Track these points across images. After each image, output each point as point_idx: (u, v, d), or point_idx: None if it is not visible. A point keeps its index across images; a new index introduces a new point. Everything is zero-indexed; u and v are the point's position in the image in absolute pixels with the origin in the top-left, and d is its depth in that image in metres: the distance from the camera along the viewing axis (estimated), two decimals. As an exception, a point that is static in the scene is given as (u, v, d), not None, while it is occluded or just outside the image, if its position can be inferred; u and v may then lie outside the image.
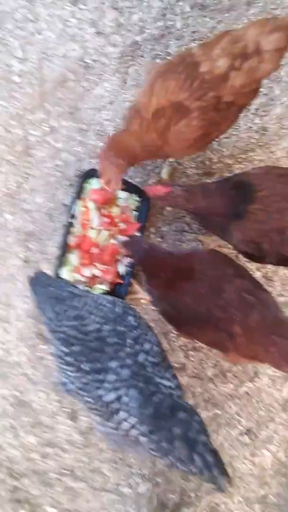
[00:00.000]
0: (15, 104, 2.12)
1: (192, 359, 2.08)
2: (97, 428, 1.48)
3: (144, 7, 2.13)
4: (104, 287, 2.00)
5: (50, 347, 2.08)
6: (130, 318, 1.46)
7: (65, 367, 1.43)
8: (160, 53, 2.11)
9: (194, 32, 2.14)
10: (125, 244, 1.70)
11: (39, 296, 1.63)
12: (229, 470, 1.97)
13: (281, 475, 2.04)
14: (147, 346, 1.42)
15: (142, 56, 2.11)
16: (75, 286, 1.72)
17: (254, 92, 1.66)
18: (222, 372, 2.07)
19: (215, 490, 1.27)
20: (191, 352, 2.09)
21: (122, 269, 2.03)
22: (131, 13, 2.12)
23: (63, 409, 2.07)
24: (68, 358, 1.41)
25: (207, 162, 2.14)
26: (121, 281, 2.01)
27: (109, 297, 1.53)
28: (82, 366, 1.38)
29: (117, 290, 2.01)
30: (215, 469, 1.22)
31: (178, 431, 1.25)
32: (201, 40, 2.13)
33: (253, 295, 1.54)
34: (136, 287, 2.05)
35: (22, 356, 2.07)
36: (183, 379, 2.02)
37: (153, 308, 2.05)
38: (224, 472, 1.23)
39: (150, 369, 1.38)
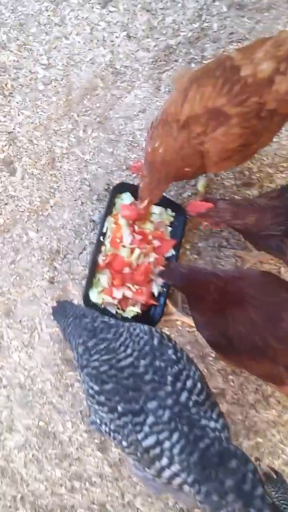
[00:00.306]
0: (40, 114, 2.04)
1: (232, 383, 1.98)
2: (133, 472, 1.41)
3: (179, 8, 2.02)
4: (137, 309, 1.92)
5: (77, 374, 1.96)
6: (170, 352, 1.36)
7: (96, 406, 1.35)
8: (196, 57, 2.01)
9: (231, 33, 2.04)
10: (161, 274, 1.64)
11: (64, 327, 1.57)
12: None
13: None
14: (189, 383, 1.32)
15: (176, 61, 2.03)
16: (108, 315, 1.60)
17: None
18: (264, 397, 1.96)
19: None
20: (230, 377, 1.99)
21: (156, 289, 1.96)
22: (164, 15, 2.03)
23: (92, 440, 1.94)
24: (100, 397, 1.33)
25: (246, 172, 2.03)
26: (155, 303, 1.94)
27: (145, 327, 1.44)
28: (117, 406, 1.28)
29: (151, 312, 1.93)
30: None
31: (231, 483, 1.16)
32: (239, 42, 2.03)
33: None
34: (171, 307, 1.94)
35: (47, 383, 1.98)
36: (223, 406, 1.93)
37: (188, 330, 1.92)
38: None
39: (194, 410, 1.27)
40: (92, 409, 1.34)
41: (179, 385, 1.29)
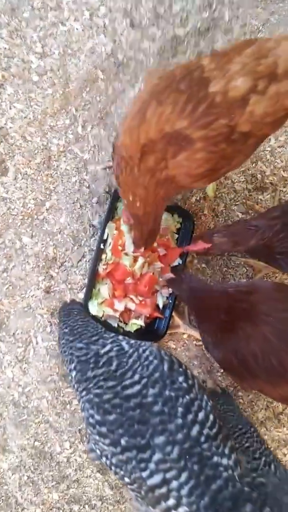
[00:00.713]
0: (34, 108, 1.93)
1: (241, 400, 1.98)
2: (134, 505, 1.39)
3: (187, -5, 1.87)
4: (141, 322, 1.89)
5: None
6: (181, 379, 1.27)
7: (96, 437, 1.27)
8: (206, 49, 1.90)
9: (244, 25, 1.96)
10: (169, 282, 1.65)
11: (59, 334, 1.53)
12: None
13: None
14: (201, 415, 1.23)
15: (184, 53, 1.97)
16: (109, 329, 1.50)
17: (280, 122, 1.39)
18: (275, 415, 1.94)
19: None
20: (240, 393, 1.92)
21: (161, 301, 1.92)
22: (172, 2, 2.00)
23: (91, 461, 1.85)
24: (102, 428, 1.24)
25: (259, 176, 1.96)
26: (160, 315, 1.88)
27: (154, 348, 1.36)
28: (120, 440, 1.20)
29: (155, 325, 1.91)
30: None
31: None
32: (252, 34, 1.90)
33: None
34: (177, 320, 1.87)
35: (43, 401, 1.91)
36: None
37: (196, 343, 1.84)
38: None
39: (205, 445, 1.19)
40: (91, 438, 1.28)
41: (190, 417, 1.21)
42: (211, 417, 1.24)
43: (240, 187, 2.00)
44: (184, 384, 1.26)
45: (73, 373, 1.40)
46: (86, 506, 1.92)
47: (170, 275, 1.66)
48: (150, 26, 1.94)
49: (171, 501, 1.15)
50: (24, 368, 1.91)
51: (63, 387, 1.90)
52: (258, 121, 1.29)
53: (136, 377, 1.26)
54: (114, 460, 1.22)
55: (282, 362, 1.41)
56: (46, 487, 1.91)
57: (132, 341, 1.42)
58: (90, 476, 1.92)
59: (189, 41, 1.94)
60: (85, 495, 1.92)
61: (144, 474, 1.16)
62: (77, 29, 1.93)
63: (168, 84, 1.34)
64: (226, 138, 1.31)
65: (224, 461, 1.18)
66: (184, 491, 1.14)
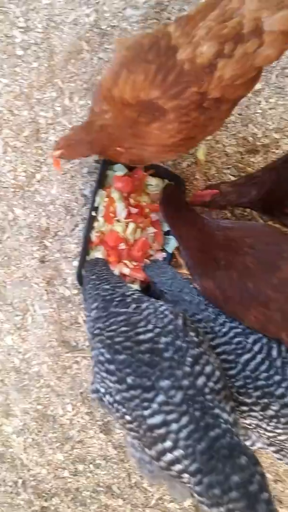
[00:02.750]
0: (20, 82, 2.09)
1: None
2: (129, 452, 1.45)
3: None
4: (136, 287, 2.01)
5: (76, 355, 2.05)
6: (193, 334, 1.39)
7: (104, 374, 1.37)
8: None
9: None
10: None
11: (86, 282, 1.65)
12: (287, 480, 2.00)
13: None
14: (208, 368, 1.34)
15: (169, 19, 2.08)
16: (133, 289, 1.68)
17: (252, 82, 1.45)
18: None
19: None
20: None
21: None
22: None
23: (95, 422, 2.05)
24: (110, 366, 1.36)
25: (250, 138, 2.12)
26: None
27: (170, 307, 1.47)
28: (126, 378, 1.31)
29: (152, 288, 2.00)
30: None
31: (237, 480, 1.15)
32: None
33: None
34: (180, 260, 2.06)
35: (44, 366, 2.09)
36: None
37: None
38: None
39: (209, 397, 1.29)
40: (98, 377, 1.39)
41: (197, 368, 1.32)
42: (217, 373, 1.35)
43: (231, 150, 2.13)
44: (195, 339, 1.37)
45: (93, 312, 1.50)
46: (91, 465, 2.12)
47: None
48: (131, -5, 2.11)
49: (168, 443, 1.23)
50: (23, 335, 2.09)
51: (62, 352, 2.08)
52: (229, 84, 1.33)
53: (150, 326, 1.37)
54: (118, 397, 1.32)
55: (257, 286, 1.53)
56: (50, 448, 2.11)
57: (152, 299, 1.53)
58: (93, 436, 2.11)
59: (173, 6, 2.06)
60: (89, 455, 2.12)
61: (146, 412, 1.26)
62: (59, 1, 2.06)
63: (136, 54, 1.39)
64: (198, 106, 1.36)
65: (225, 415, 1.27)
66: (182, 434, 1.22)
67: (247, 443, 1.65)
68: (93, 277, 1.64)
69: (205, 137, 1.59)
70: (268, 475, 2.08)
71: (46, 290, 2.09)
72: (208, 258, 1.65)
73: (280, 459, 1.61)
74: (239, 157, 2.11)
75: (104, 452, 2.10)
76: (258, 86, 2.11)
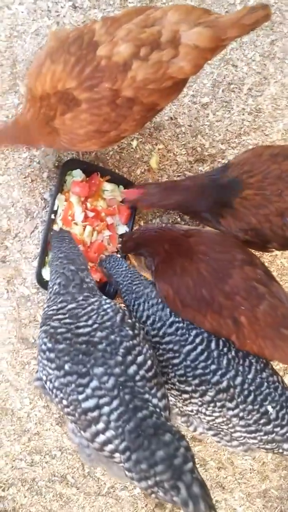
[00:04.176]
0: None
1: None
2: (70, 437, 1.63)
3: (125, -22, 2.21)
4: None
5: (34, 352, 2.23)
6: (128, 328, 1.57)
7: (45, 362, 1.55)
8: None
9: None
10: (121, 250, 2.05)
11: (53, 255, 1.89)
12: (229, 467, 2.23)
13: (282, 468, 2.29)
14: (140, 358, 1.52)
15: None
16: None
17: (168, 92, 1.58)
18: None
19: None
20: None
21: None
22: None
23: (51, 415, 2.24)
24: (50, 354, 1.53)
25: (199, 148, 2.31)
26: (102, 272, 2.17)
27: (116, 306, 1.66)
28: (64, 365, 1.48)
29: (106, 289, 2.24)
30: (202, 502, 1.27)
31: (162, 454, 1.31)
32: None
33: (263, 285, 1.73)
34: (133, 262, 2.27)
35: (3, 362, 2.27)
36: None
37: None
38: (211, 507, 1.29)
39: (140, 383, 1.47)
40: (40, 365, 1.57)
41: (129, 358, 1.49)
42: (149, 362, 1.53)
43: (181, 159, 2.35)
44: (130, 332, 1.55)
45: (55, 287, 1.71)
46: (47, 456, 2.30)
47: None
48: (91, 8, 2.26)
49: (100, 425, 1.39)
50: (-16, 332, 2.30)
51: (21, 349, 2.26)
52: (141, 86, 1.47)
53: (90, 322, 1.56)
54: (56, 383, 1.48)
55: (211, 293, 1.71)
56: (8, 440, 2.28)
57: (103, 296, 1.72)
58: (49, 429, 2.30)
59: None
60: (45, 446, 2.30)
61: (80, 397, 1.42)
62: (22, 12, 2.23)
63: (61, 45, 1.54)
64: (110, 102, 1.51)
65: (155, 400, 1.45)
66: (113, 416, 1.38)
67: (190, 428, 1.87)
68: (61, 255, 1.83)
69: (121, 135, 1.73)
70: (211, 463, 2.31)
71: (6, 289, 2.26)
72: (168, 264, 1.82)
73: (218, 442, 1.82)
74: (189, 165, 2.32)
75: (60, 443, 2.28)
76: (206, 99, 2.34)
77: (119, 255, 2.21)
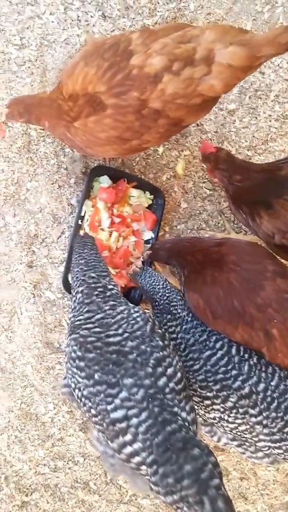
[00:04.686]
0: (14, 96, 2.30)
1: None
2: (94, 445, 1.64)
3: (154, -12, 2.27)
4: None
5: (59, 356, 2.27)
6: (158, 338, 1.58)
7: (74, 370, 1.56)
8: None
9: (209, 14, 2.31)
10: (150, 257, 2.06)
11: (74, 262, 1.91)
12: (252, 478, 2.22)
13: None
14: (170, 370, 1.53)
15: None
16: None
17: (196, 109, 1.60)
18: None
19: None
20: None
21: None
22: None
23: (74, 420, 2.27)
24: (80, 363, 1.54)
25: None
26: (135, 285, 2.20)
27: (144, 314, 1.67)
28: (94, 374, 1.49)
29: (131, 294, 2.28)
30: None
31: (189, 469, 1.32)
32: (217, 23, 2.27)
33: None
34: (158, 268, 2.30)
35: (28, 366, 2.30)
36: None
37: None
38: None
39: (169, 396, 1.47)
40: (69, 372, 1.59)
41: (159, 369, 1.50)
42: (179, 374, 1.53)
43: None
44: (160, 343, 1.56)
45: (79, 295, 1.72)
46: (70, 462, 2.32)
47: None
48: (120, 18, 2.32)
49: (128, 437, 1.40)
50: (10, 336, 2.31)
51: (46, 354, 2.29)
52: (169, 100, 1.50)
53: (120, 330, 1.56)
54: (85, 392, 1.50)
55: (242, 304, 1.72)
56: (32, 445, 2.31)
57: (129, 304, 1.73)
58: (73, 434, 2.32)
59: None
60: (68, 452, 2.32)
61: (109, 407, 1.43)
62: (52, 22, 2.31)
63: (96, 50, 1.60)
64: (136, 111, 1.54)
65: (183, 414, 1.46)
66: (141, 429, 1.39)
67: (214, 438, 1.87)
68: (82, 261, 1.85)
69: (144, 146, 1.76)
70: (234, 473, 2.29)
71: (33, 293, 2.31)
72: (199, 273, 1.83)
73: (243, 453, 1.82)
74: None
75: (83, 449, 2.30)
76: (233, 106, 2.36)
77: (150, 269, 2.23)
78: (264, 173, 1.90)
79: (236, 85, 1.59)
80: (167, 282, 1.97)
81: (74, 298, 1.78)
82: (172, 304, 1.90)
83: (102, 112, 1.59)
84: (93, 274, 1.79)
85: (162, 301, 1.91)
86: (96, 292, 1.72)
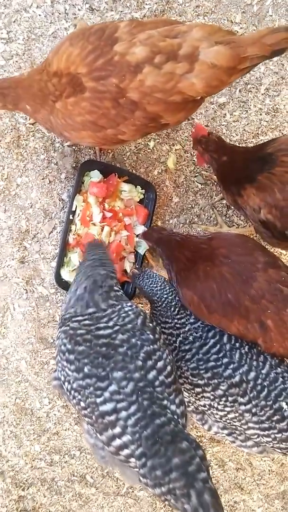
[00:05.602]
0: None
1: None
2: (85, 438, 1.66)
3: (142, -20, 2.29)
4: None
5: (53, 352, 2.32)
6: (149, 332, 1.60)
7: (64, 363, 1.58)
8: None
9: (197, 6, 2.35)
10: (143, 234, 2.10)
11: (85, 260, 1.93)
12: (248, 468, 2.30)
13: (300, 471, 2.37)
14: (160, 364, 1.55)
15: None
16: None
17: (175, 107, 1.61)
18: None
19: None
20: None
21: (128, 266, 2.34)
22: None
23: (70, 414, 2.32)
24: (70, 356, 1.56)
25: None
26: (128, 279, 2.30)
27: (136, 308, 1.70)
28: (84, 368, 1.52)
29: (124, 288, 2.31)
30: (212, 511, 1.31)
31: (177, 462, 1.35)
32: (206, 16, 2.32)
33: None
34: (151, 262, 2.34)
35: (22, 362, 2.34)
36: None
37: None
38: None
39: (159, 389, 1.51)
40: (59, 365, 1.61)
41: (149, 363, 1.53)
42: (169, 368, 1.56)
43: (198, 159, 2.44)
44: (151, 336, 1.58)
45: (79, 288, 1.73)
46: (66, 456, 2.38)
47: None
48: (108, 11, 2.34)
49: (117, 430, 1.43)
50: (3, 332, 2.34)
51: (40, 349, 2.33)
52: (147, 92, 1.52)
53: (111, 323, 1.58)
54: (74, 385, 1.52)
55: (236, 297, 1.76)
56: (28, 440, 2.36)
57: (128, 302, 1.73)
58: (68, 429, 2.38)
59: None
60: (64, 446, 2.38)
61: (98, 400, 1.46)
62: (39, 15, 2.32)
63: (82, 32, 1.63)
64: (113, 98, 1.56)
65: (173, 407, 1.49)
66: (130, 422, 1.42)
67: (205, 427, 1.93)
68: (95, 256, 1.87)
69: (119, 136, 1.75)
70: (230, 464, 2.37)
71: (25, 289, 2.35)
72: (191, 270, 1.87)
73: (233, 442, 1.88)
74: (206, 166, 2.38)
75: (79, 443, 2.35)
76: (223, 99, 2.40)
77: (149, 270, 2.26)
78: (249, 154, 1.96)
79: (220, 89, 1.59)
80: (165, 283, 2.00)
81: (71, 294, 1.79)
82: (171, 305, 1.95)
83: (81, 95, 1.61)
84: (102, 272, 1.80)
85: (160, 302, 1.95)
86: (100, 292, 1.73)
